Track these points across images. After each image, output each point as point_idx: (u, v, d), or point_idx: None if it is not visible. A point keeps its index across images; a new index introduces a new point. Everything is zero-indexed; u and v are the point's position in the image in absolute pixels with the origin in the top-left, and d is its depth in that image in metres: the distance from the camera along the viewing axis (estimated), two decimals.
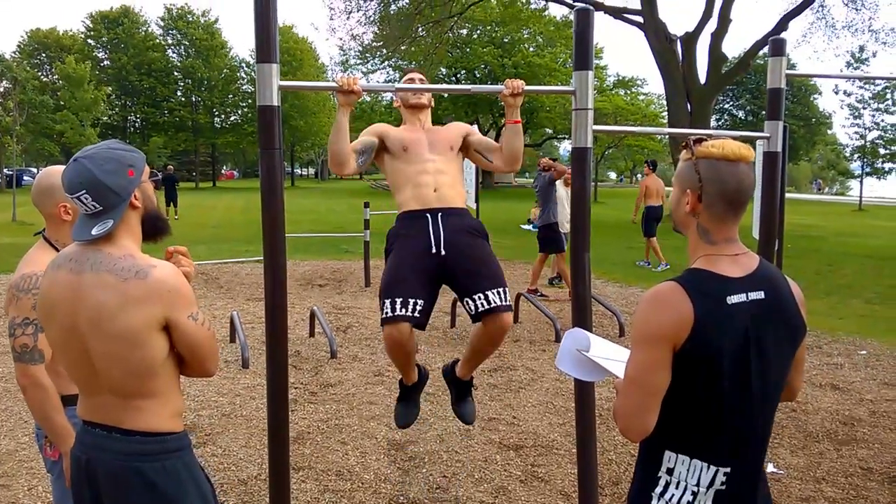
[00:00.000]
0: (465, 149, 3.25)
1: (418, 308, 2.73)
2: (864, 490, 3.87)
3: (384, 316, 2.74)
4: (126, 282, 1.73)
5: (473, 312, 2.82)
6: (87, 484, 1.83)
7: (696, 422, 1.63)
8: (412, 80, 3.27)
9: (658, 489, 1.68)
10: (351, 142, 2.96)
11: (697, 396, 1.61)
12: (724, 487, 1.65)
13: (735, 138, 2.03)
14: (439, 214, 2.93)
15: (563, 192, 9.50)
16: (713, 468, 1.64)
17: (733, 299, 1.60)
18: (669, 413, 1.62)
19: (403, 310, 2.68)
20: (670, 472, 1.67)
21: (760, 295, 1.64)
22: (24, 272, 2.17)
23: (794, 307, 1.70)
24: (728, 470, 1.65)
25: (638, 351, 1.61)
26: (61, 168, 2.23)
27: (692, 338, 1.55)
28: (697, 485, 1.65)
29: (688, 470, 1.65)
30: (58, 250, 2.23)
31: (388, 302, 2.72)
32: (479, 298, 2.75)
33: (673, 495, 1.66)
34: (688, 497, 1.65)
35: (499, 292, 2.78)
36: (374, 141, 3.12)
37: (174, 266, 1.83)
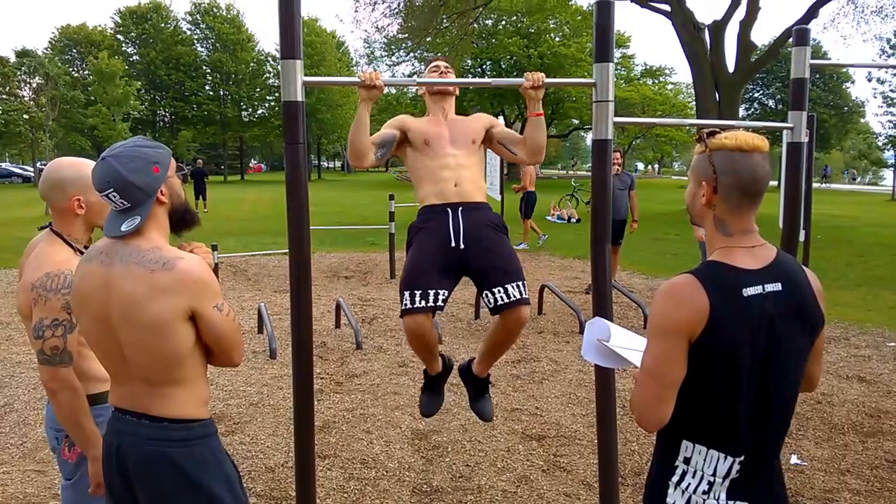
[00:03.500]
0: (489, 141, 3.24)
1: (440, 298, 2.84)
2: (889, 482, 3.84)
3: (403, 307, 2.85)
4: (153, 273, 1.79)
5: (493, 305, 2.90)
6: (117, 469, 1.89)
7: (713, 412, 1.65)
8: (437, 68, 3.28)
9: (675, 478, 1.70)
10: (372, 134, 3.01)
11: (714, 388, 1.62)
12: (738, 476, 1.67)
13: (757, 129, 2.04)
14: (460, 209, 2.96)
15: None
16: (729, 458, 1.66)
17: (749, 291, 1.61)
18: (687, 403, 1.63)
19: (423, 301, 2.79)
20: (687, 461, 1.69)
21: (777, 286, 1.64)
22: (47, 271, 2.08)
23: (812, 298, 1.69)
24: (742, 459, 1.66)
25: (654, 343, 1.63)
26: (71, 160, 2.24)
27: (708, 330, 1.57)
28: (714, 474, 1.66)
29: (704, 459, 1.67)
30: (69, 244, 2.19)
31: (407, 294, 2.82)
32: (499, 292, 2.83)
33: (689, 484, 1.68)
34: (703, 486, 1.67)
35: (518, 286, 2.85)
36: (394, 134, 3.13)
37: (201, 258, 1.89)
